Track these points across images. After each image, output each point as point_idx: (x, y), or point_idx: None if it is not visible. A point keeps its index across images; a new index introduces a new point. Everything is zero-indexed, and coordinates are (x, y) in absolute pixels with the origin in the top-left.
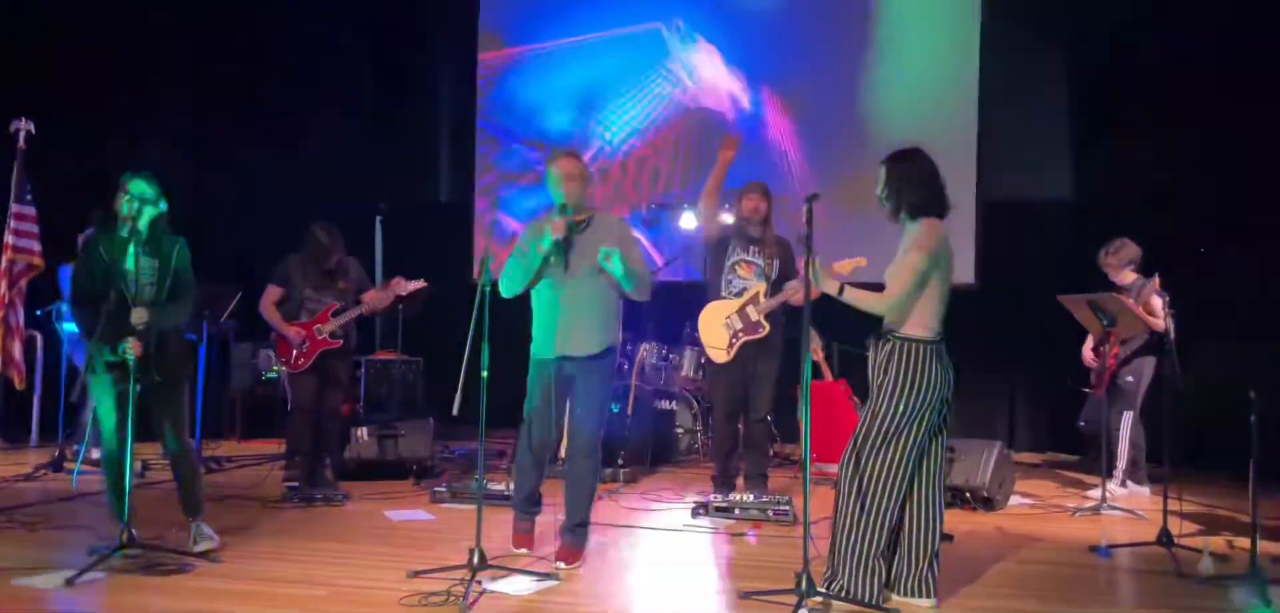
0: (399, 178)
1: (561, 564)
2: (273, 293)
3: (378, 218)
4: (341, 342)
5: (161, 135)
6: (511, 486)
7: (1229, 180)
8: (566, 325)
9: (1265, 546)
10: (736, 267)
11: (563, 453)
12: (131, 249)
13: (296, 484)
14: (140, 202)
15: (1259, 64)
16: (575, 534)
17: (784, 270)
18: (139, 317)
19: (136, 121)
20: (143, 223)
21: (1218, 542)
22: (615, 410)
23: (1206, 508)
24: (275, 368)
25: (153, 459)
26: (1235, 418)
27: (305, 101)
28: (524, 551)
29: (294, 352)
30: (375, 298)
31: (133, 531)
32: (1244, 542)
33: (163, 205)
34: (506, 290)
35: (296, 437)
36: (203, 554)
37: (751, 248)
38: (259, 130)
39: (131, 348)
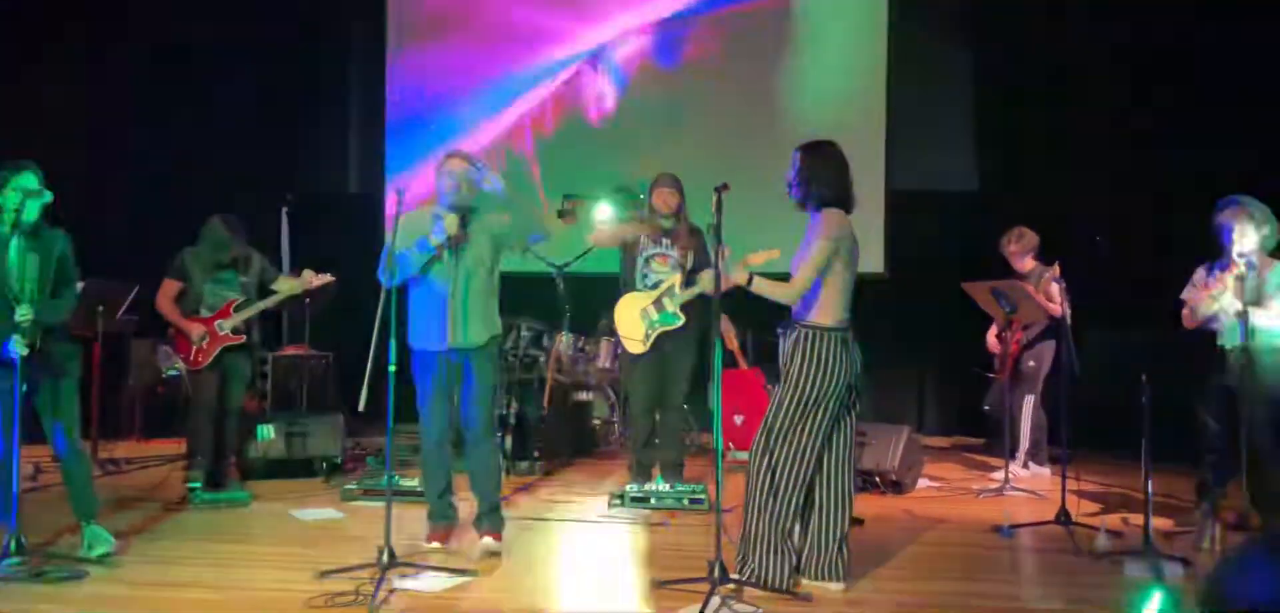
0: (306, 168)
1: (490, 541)
2: (170, 287)
3: (284, 209)
4: (245, 337)
5: (52, 126)
6: (422, 484)
7: (1125, 171)
8: (456, 318)
9: (1157, 521)
10: (651, 261)
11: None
12: (15, 244)
13: (199, 485)
14: (24, 195)
15: (1154, 55)
16: (492, 519)
17: (698, 261)
18: (24, 314)
19: (24, 112)
20: (28, 217)
21: (1113, 519)
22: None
23: (1103, 487)
24: (175, 365)
25: (45, 462)
26: (1129, 401)
27: (205, 89)
28: (436, 545)
29: (194, 348)
30: (289, 283)
31: (21, 537)
32: (1138, 519)
33: (47, 196)
34: (388, 281)
35: (198, 436)
36: (97, 560)
37: (664, 241)
38: (157, 120)
39: (19, 345)
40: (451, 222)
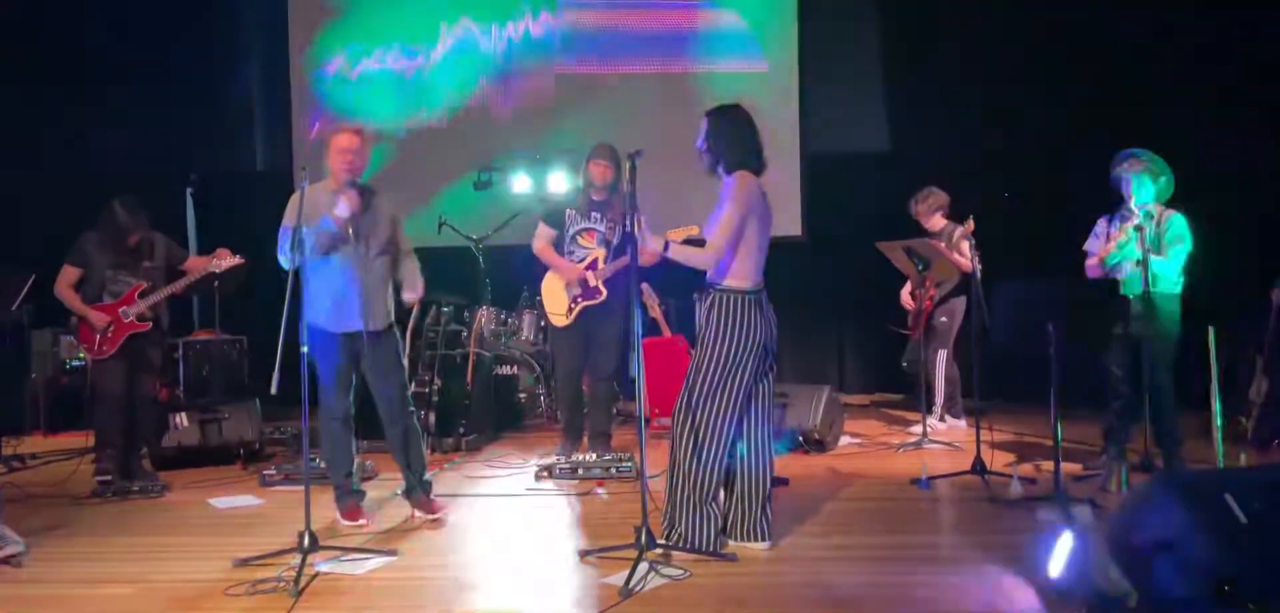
0: (211, 146)
1: (439, 515)
2: (68, 274)
3: (188, 189)
4: (152, 324)
5: None
6: (327, 465)
7: (1029, 127)
8: (365, 300)
9: (1067, 467)
10: (577, 237)
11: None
12: None
13: (109, 478)
14: None
15: (1057, 14)
16: (427, 489)
17: (624, 235)
18: None
19: None
20: None
21: (1026, 467)
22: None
23: (1016, 436)
24: (80, 354)
25: None
26: (1038, 351)
27: (102, 67)
28: (362, 521)
29: (97, 337)
30: (200, 262)
31: None
32: (1049, 465)
33: None
34: (289, 263)
35: (106, 427)
36: (5, 560)
37: (593, 215)
38: (50, 99)
39: None
40: (351, 199)
